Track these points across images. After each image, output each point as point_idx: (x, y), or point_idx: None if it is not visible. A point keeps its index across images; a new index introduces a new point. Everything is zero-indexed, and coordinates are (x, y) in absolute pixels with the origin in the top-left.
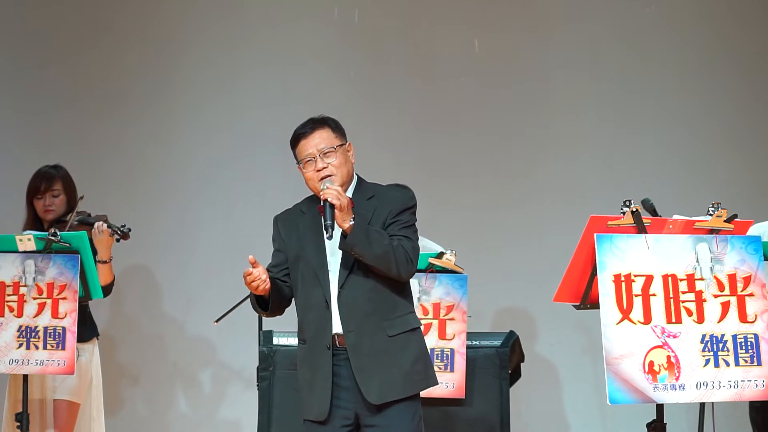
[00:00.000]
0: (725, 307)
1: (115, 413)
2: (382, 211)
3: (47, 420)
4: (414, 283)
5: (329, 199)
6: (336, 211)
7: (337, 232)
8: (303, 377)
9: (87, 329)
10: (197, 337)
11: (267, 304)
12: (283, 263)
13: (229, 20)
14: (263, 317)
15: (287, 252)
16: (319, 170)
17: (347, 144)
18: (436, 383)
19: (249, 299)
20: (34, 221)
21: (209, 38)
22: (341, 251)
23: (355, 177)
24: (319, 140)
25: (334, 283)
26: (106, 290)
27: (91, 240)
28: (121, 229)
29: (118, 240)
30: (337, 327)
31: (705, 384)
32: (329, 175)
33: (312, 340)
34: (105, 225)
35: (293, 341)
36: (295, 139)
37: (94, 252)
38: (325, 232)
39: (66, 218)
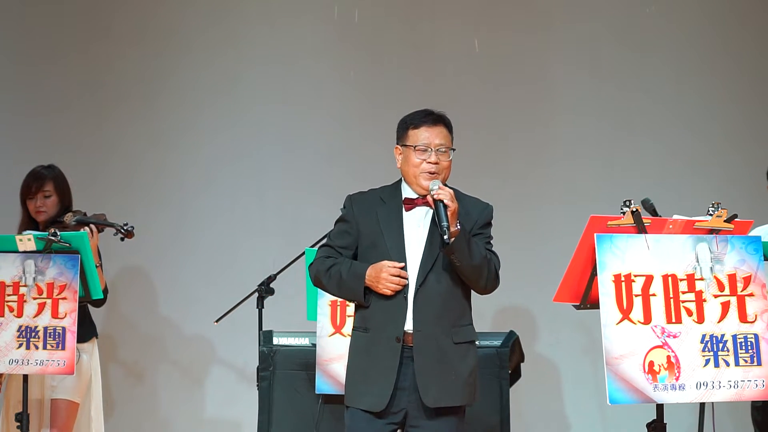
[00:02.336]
0: (725, 307)
1: (115, 413)
2: (468, 221)
3: (45, 420)
4: None
5: (444, 201)
6: (448, 213)
7: (421, 226)
8: (357, 365)
9: (86, 329)
10: (197, 337)
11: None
12: (352, 245)
13: (229, 20)
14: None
15: (360, 235)
16: (430, 162)
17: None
18: (479, 400)
19: (342, 292)
20: (29, 222)
21: (209, 38)
22: (422, 248)
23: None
24: (441, 136)
25: (413, 280)
26: (101, 299)
27: None
28: (125, 227)
29: (122, 239)
30: (408, 324)
31: (705, 384)
32: (436, 173)
33: (378, 330)
34: (95, 228)
35: (293, 341)
36: (416, 123)
37: None
38: (442, 234)
39: (62, 219)
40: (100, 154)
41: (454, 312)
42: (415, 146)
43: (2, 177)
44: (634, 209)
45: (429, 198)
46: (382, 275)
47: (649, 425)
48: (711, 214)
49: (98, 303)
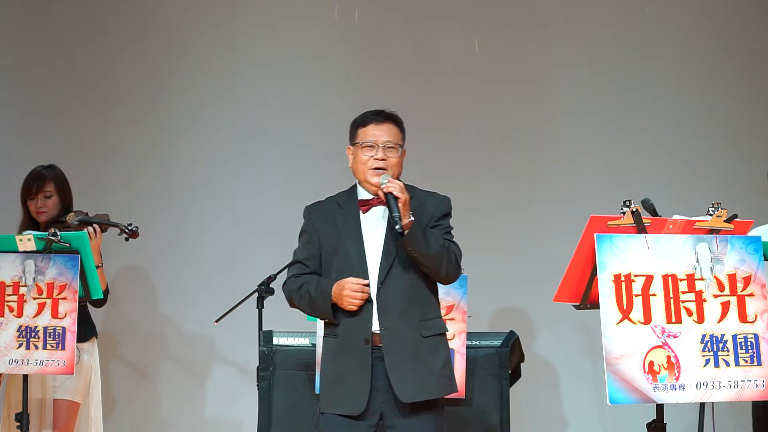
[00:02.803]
0: (725, 307)
1: (115, 413)
2: (424, 214)
3: (46, 420)
4: None
5: (394, 192)
6: (399, 205)
7: (379, 226)
8: (331, 371)
9: (86, 329)
10: (197, 336)
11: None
12: (316, 255)
13: (229, 20)
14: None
15: (321, 243)
16: (377, 159)
17: (404, 149)
18: (457, 390)
19: (313, 311)
20: (29, 222)
21: (209, 38)
22: (381, 247)
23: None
24: (388, 133)
25: (375, 279)
26: (102, 299)
27: None
28: (129, 227)
29: (127, 239)
30: (375, 324)
31: (705, 384)
32: (384, 169)
33: (347, 335)
34: (98, 228)
35: (293, 341)
36: (364, 122)
37: None
38: (394, 224)
39: (63, 219)
40: (100, 153)
41: (419, 306)
42: (362, 143)
43: (2, 177)
44: (634, 209)
45: (380, 192)
46: (345, 293)
47: (649, 425)
48: (711, 214)
49: (99, 303)
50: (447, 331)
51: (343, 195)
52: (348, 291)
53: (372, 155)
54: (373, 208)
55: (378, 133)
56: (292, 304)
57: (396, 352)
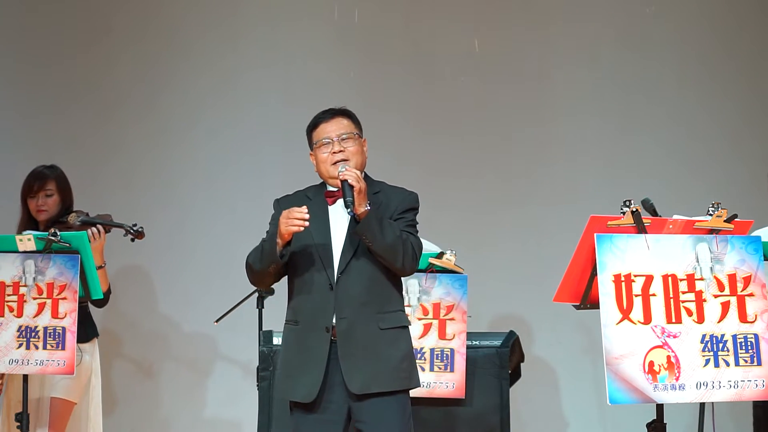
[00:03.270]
0: (725, 307)
1: (116, 412)
2: (388, 207)
3: (43, 418)
4: (414, 283)
5: (349, 180)
6: (354, 193)
7: (345, 218)
8: (289, 358)
9: (87, 329)
10: (198, 336)
11: (280, 256)
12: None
13: (229, 20)
14: (262, 280)
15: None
16: (335, 152)
17: (363, 139)
18: (419, 385)
19: (263, 259)
20: (29, 221)
21: (209, 38)
22: (344, 238)
23: (364, 173)
24: (339, 126)
25: (336, 269)
26: (103, 300)
27: None
28: (134, 228)
29: (132, 240)
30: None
31: (705, 384)
32: (344, 160)
33: (308, 322)
34: (101, 229)
35: None
36: (314, 124)
37: None
38: (345, 208)
39: (65, 219)
40: (100, 154)
41: (379, 298)
42: (317, 142)
43: (3, 178)
44: (634, 209)
45: (339, 177)
46: (282, 219)
47: (649, 425)
48: (711, 214)
49: (100, 304)
50: (409, 324)
51: (313, 188)
52: (284, 215)
53: (330, 150)
54: (340, 200)
55: (330, 128)
56: (248, 271)
57: (350, 341)
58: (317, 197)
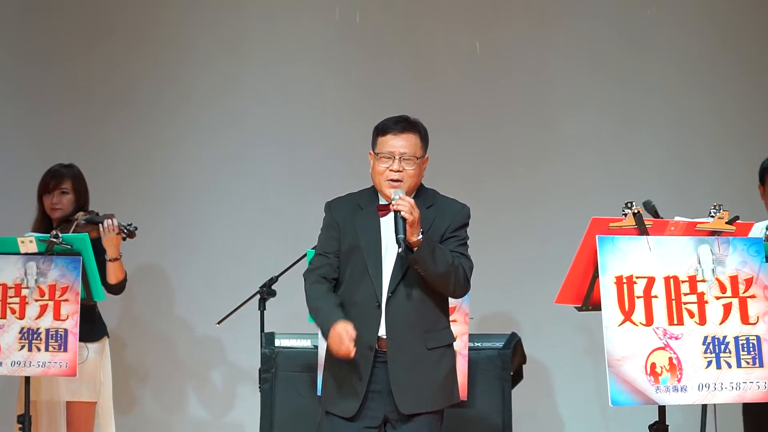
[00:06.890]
0: (727, 308)
1: (116, 413)
2: (441, 224)
3: (58, 422)
4: None
5: (402, 213)
6: (407, 225)
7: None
8: (333, 371)
9: (96, 329)
10: (199, 338)
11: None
12: (337, 250)
13: (231, 21)
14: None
15: (342, 240)
16: (393, 170)
17: (426, 157)
18: (459, 400)
19: (317, 320)
20: (43, 219)
21: (211, 39)
22: (395, 256)
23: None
24: (406, 144)
25: (386, 287)
26: (119, 288)
27: (98, 239)
28: (128, 227)
29: (124, 238)
30: (381, 330)
31: (707, 386)
32: (398, 180)
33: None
34: (114, 222)
35: (295, 343)
36: (384, 130)
37: (103, 251)
38: (397, 246)
39: (73, 218)
40: (102, 154)
41: (427, 319)
42: (379, 153)
43: (4, 177)
44: (636, 211)
45: (392, 207)
46: (335, 344)
47: (651, 427)
48: (713, 216)
49: (116, 290)
50: (454, 340)
51: (364, 195)
52: (336, 340)
53: (388, 166)
54: (391, 213)
55: (396, 144)
56: (309, 308)
57: (399, 363)
58: (369, 207)
